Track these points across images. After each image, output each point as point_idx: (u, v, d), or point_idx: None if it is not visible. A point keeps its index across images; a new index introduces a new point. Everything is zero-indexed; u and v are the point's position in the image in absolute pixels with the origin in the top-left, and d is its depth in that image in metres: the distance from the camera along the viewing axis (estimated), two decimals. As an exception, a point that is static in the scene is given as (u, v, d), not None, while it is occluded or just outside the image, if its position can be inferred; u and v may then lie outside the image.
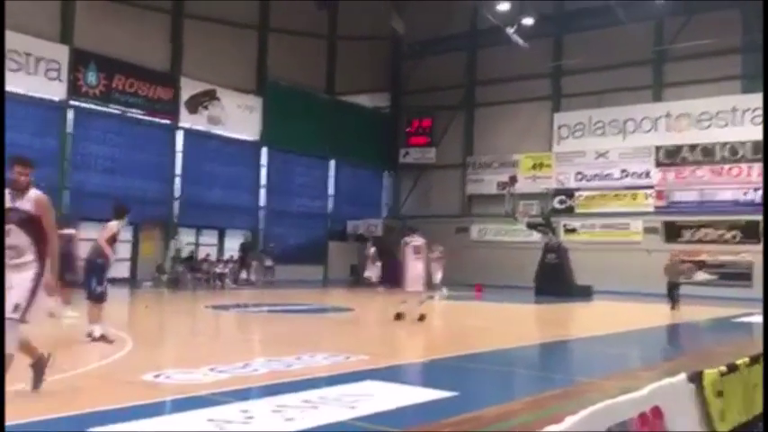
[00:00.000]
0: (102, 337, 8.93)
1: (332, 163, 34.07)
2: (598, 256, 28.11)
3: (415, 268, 13.19)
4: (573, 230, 30.68)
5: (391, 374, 7.41)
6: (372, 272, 25.30)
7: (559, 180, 31.67)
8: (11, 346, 5.09)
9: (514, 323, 16.12)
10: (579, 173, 31.28)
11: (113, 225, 9.40)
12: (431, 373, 8.04)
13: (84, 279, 9.58)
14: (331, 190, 34.29)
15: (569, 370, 9.06)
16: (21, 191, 5.52)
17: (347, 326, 13.83)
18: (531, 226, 27.98)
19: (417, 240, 13.46)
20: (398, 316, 13.03)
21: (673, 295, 18.74)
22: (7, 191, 5.52)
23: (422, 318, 12.95)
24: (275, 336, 11.37)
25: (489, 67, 33.44)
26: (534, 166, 32.41)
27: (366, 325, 13.98)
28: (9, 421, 4.84)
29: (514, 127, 32.77)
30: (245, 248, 27.87)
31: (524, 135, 32.57)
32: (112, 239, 9.34)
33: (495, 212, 31.22)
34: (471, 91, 34.49)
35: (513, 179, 29.50)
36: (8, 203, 5.43)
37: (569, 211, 31.30)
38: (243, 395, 6.03)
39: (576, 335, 13.80)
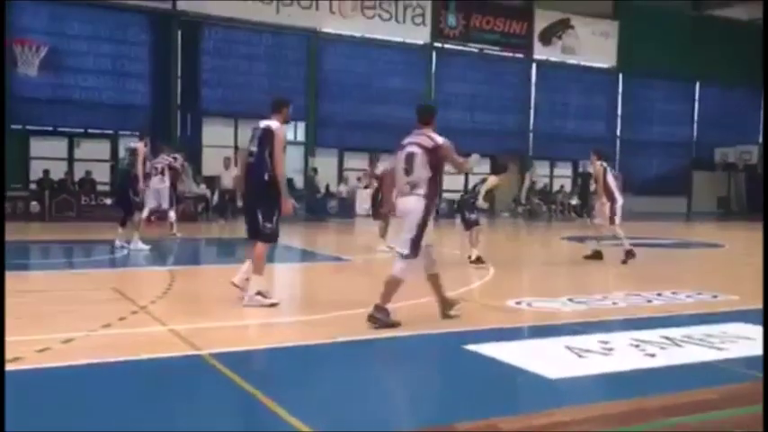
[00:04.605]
0: (478, 259, 10.23)
1: (696, 86, 31.23)
2: None
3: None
4: None
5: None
6: None
7: None
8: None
9: None
10: None
11: (492, 180, 10.76)
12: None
13: (459, 212, 11.42)
14: (696, 115, 31.55)
15: None
16: None
17: (715, 263, 12.87)
18: None
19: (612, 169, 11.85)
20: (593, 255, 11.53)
21: None
22: None
23: (629, 255, 11.20)
24: (634, 270, 11.11)
25: None
26: None
27: (738, 262, 12.84)
28: (398, 332, 5.66)
29: None
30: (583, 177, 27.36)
31: None
32: (488, 191, 10.74)
33: None
34: None
35: None
36: None
37: None
38: (601, 327, 6.12)
39: None
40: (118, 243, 11.61)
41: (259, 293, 6.66)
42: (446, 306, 6.24)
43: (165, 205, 13.74)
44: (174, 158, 14.50)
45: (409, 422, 3.65)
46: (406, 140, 6.14)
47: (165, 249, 12.47)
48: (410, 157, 5.98)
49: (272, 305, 6.64)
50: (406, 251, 5.91)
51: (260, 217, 6.68)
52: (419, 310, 6.81)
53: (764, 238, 11.94)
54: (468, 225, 10.66)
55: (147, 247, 11.43)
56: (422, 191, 5.93)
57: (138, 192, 11.66)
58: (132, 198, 11.61)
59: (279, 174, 6.62)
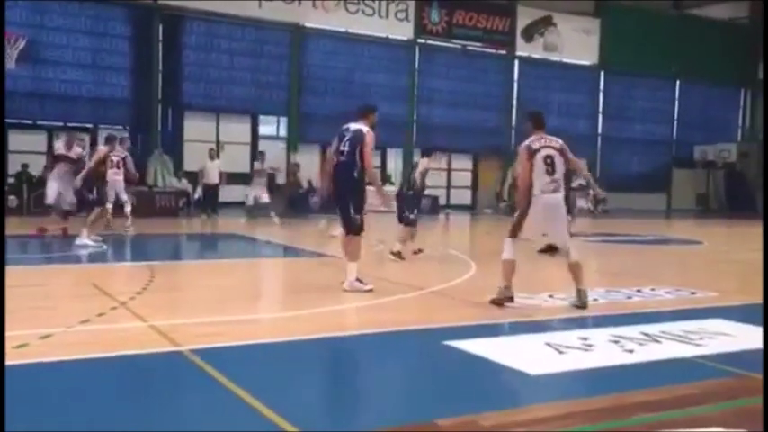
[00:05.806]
0: (398, 254, 10.20)
1: (677, 84, 31.51)
2: None
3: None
4: None
5: (744, 314, 6.87)
6: None
7: None
8: None
9: None
10: None
11: (423, 163, 10.97)
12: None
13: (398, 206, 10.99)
14: (676, 113, 31.84)
15: None
16: None
17: (694, 259, 13.00)
18: None
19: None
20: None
21: None
22: None
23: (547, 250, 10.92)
24: (614, 266, 11.20)
25: None
26: None
27: (716, 259, 12.97)
28: (379, 328, 5.65)
29: None
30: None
31: None
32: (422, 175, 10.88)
33: None
34: None
35: None
36: None
37: None
38: (581, 323, 6.15)
39: None
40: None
41: (358, 280, 7.26)
42: (581, 294, 6.81)
43: (123, 197, 13.70)
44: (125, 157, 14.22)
45: (390, 418, 3.65)
46: (536, 144, 6.83)
47: (145, 244, 12.38)
48: (551, 159, 6.78)
49: (369, 290, 7.18)
50: (568, 237, 6.98)
51: (351, 209, 7.29)
52: (400, 305, 6.81)
53: (764, 237, 12.06)
54: (404, 221, 10.49)
55: (93, 245, 11.27)
56: (563, 187, 6.94)
57: (91, 189, 11.69)
58: (85, 195, 11.70)
59: (370, 171, 7.34)
